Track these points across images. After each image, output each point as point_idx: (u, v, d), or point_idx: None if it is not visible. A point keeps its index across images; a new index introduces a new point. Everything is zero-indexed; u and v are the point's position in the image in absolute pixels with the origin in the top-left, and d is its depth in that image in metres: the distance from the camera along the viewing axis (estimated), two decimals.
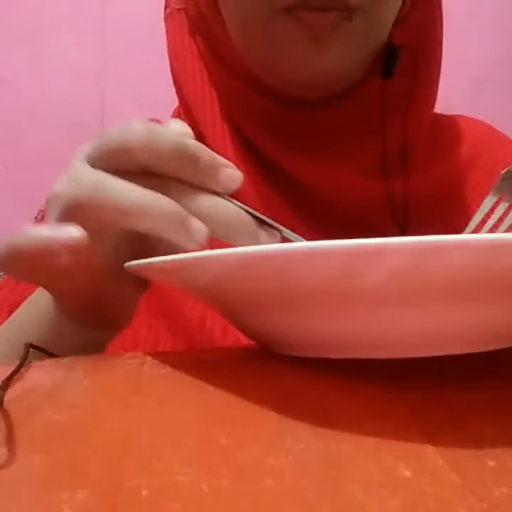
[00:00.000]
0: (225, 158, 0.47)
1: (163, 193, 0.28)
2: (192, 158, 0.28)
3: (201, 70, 0.48)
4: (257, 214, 0.29)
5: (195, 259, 0.22)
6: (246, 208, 0.29)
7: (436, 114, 0.54)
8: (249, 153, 0.47)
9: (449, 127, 0.55)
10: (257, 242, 0.29)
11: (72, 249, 0.28)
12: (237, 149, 0.47)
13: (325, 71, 0.43)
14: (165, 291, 0.45)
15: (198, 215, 0.28)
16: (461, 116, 0.58)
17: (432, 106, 0.51)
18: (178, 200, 0.28)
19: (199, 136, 0.47)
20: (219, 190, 0.29)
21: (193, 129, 0.33)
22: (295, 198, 0.47)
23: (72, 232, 0.28)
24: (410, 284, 0.19)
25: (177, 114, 0.52)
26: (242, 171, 0.45)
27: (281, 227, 0.30)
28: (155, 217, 0.27)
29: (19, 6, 1.42)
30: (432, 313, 0.21)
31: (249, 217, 0.29)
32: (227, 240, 0.29)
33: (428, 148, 0.52)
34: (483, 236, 0.18)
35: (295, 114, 0.47)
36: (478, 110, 0.69)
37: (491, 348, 0.23)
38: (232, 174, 0.30)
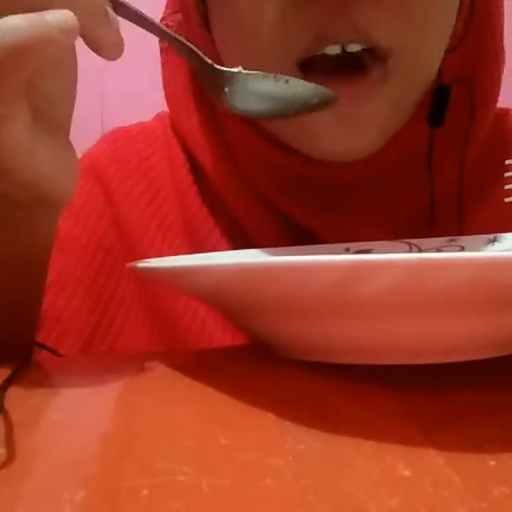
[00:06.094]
0: (239, 212, 0.41)
1: None
2: None
3: (201, 119, 0.42)
4: None
5: (198, 267, 0.22)
6: None
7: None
8: (266, 209, 0.41)
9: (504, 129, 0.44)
10: (108, 22, 0.27)
11: None
12: (251, 204, 0.41)
13: (355, 150, 0.37)
14: (165, 308, 0.40)
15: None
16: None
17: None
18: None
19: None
20: None
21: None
22: None
23: None
24: (408, 298, 0.20)
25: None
26: (257, 228, 0.40)
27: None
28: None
29: None
30: (431, 324, 0.21)
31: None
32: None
33: (482, 178, 0.42)
34: (476, 255, 0.19)
35: (315, 170, 0.40)
36: None
37: (490, 356, 0.23)
38: None
